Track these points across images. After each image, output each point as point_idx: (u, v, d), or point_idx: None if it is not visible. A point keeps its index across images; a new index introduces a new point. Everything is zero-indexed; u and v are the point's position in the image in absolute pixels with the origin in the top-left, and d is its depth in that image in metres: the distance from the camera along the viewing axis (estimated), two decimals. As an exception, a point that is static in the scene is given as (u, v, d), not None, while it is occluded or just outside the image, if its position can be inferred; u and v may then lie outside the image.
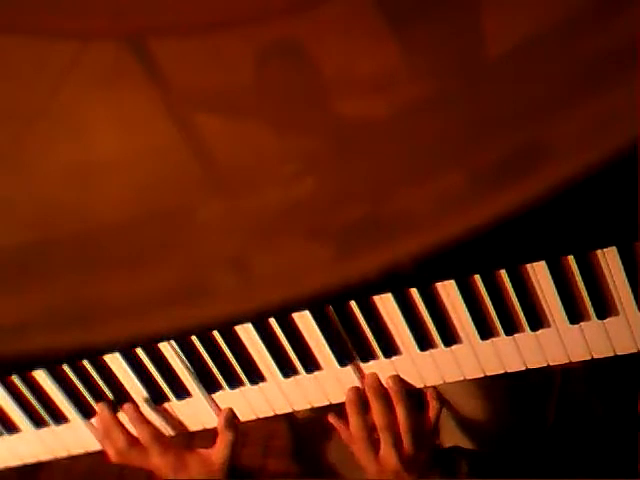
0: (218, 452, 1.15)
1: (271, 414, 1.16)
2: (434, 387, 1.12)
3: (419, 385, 1.11)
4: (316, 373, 1.12)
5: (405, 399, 1.09)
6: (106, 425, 1.18)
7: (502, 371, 1.07)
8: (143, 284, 1.07)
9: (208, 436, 1.18)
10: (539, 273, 1.01)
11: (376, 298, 1.06)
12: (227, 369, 1.14)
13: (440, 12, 0.88)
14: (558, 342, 1.04)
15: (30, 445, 1.25)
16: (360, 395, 1.10)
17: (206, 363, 1.14)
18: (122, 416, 1.19)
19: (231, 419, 1.16)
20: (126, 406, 1.18)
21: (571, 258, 0.99)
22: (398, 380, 1.10)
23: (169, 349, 1.14)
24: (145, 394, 1.18)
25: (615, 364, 1.06)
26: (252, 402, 1.15)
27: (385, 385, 1.10)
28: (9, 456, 1.28)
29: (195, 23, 0.89)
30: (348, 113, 0.96)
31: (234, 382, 1.14)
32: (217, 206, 1.02)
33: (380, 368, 1.10)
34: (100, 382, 1.17)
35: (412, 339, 1.07)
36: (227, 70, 0.92)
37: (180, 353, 1.14)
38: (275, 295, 1.06)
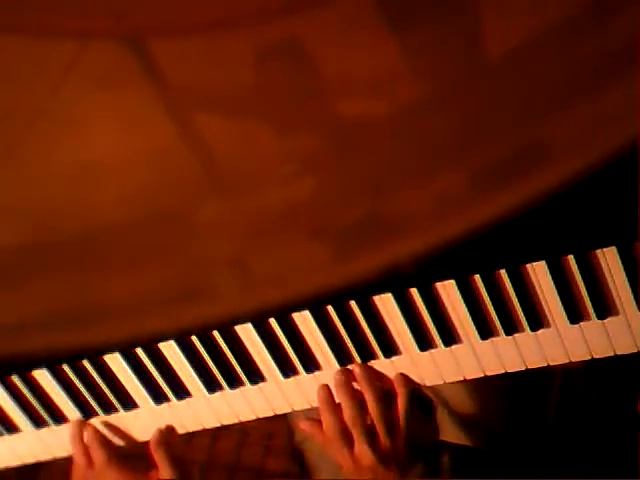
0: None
1: (271, 414, 1.16)
2: (401, 374, 1.09)
3: (419, 385, 1.10)
4: (316, 373, 1.12)
5: (374, 389, 1.07)
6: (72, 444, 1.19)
7: (502, 371, 1.07)
8: (143, 284, 1.07)
9: (208, 436, 1.18)
10: (539, 273, 1.01)
11: (376, 298, 1.06)
12: (227, 369, 1.14)
13: (440, 12, 0.88)
14: (558, 342, 1.04)
15: (30, 445, 1.25)
16: (331, 393, 1.09)
17: (206, 363, 1.14)
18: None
19: (161, 439, 1.16)
20: (89, 428, 1.19)
21: (571, 258, 0.99)
22: (367, 370, 1.08)
23: (169, 349, 1.14)
24: (145, 394, 1.18)
25: (615, 364, 1.06)
26: (252, 402, 1.15)
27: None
28: (9, 456, 1.27)
29: (195, 23, 0.89)
30: (348, 113, 0.96)
31: (234, 382, 1.14)
32: (217, 206, 1.02)
33: (380, 368, 1.10)
34: (100, 382, 1.17)
35: (412, 339, 1.07)
36: (227, 70, 0.92)
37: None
38: (275, 295, 1.06)
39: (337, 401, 1.10)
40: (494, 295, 1.03)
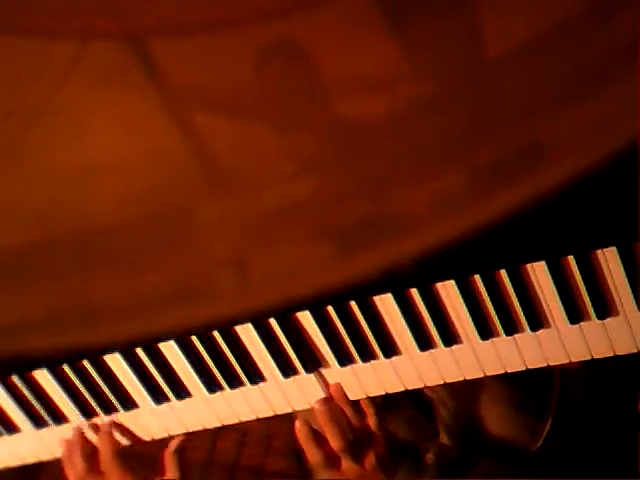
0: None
1: (271, 414, 1.16)
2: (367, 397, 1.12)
3: (419, 385, 1.11)
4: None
5: (351, 405, 1.10)
6: (69, 448, 1.19)
7: (502, 371, 1.07)
8: (143, 284, 1.07)
9: (208, 436, 1.18)
10: (539, 273, 1.01)
11: (376, 298, 1.06)
12: (227, 369, 1.14)
13: (440, 12, 0.88)
14: (558, 342, 1.04)
15: (30, 445, 1.25)
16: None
17: (206, 363, 1.14)
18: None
19: (179, 447, 1.18)
20: (101, 425, 1.19)
21: (571, 258, 0.99)
22: (340, 388, 1.11)
23: (169, 349, 1.14)
24: (145, 394, 1.18)
25: (615, 364, 1.06)
26: (252, 402, 1.15)
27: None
28: (9, 456, 1.28)
29: (195, 23, 0.89)
30: (348, 113, 0.96)
31: (234, 382, 1.14)
32: (217, 206, 1.02)
33: (380, 368, 1.10)
34: (100, 382, 1.17)
35: (412, 339, 1.07)
36: (227, 70, 0.93)
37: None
38: (275, 295, 1.06)
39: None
40: (494, 295, 1.03)
